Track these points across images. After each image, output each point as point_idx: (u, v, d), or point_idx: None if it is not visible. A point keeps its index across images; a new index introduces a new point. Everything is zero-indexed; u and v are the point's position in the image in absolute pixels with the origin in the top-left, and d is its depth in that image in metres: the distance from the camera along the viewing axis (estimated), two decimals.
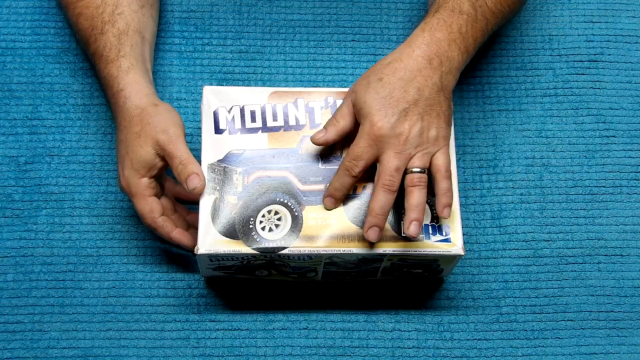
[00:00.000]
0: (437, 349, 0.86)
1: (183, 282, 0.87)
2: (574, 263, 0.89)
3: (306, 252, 0.76)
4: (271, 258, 0.78)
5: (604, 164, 0.92)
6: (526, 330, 0.87)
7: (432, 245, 0.77)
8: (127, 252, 0.88)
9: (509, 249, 0.89)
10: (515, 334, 0.86)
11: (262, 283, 0.87)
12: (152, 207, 0.79)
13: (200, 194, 0.78)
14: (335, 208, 0.78)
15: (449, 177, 0.76)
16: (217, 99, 0.81)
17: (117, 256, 0.88)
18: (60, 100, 0.93)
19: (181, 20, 0.96)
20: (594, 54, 0.97)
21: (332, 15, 0.97)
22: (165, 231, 0.80)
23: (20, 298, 0.86)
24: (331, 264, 0.80)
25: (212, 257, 0.77)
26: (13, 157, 0.91)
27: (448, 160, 0.77)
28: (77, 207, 0.89)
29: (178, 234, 0.80)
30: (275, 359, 0.85)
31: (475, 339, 0.86)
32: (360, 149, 0.75)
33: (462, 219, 0.89)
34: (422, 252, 0.77)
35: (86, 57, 0.88)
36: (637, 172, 0.92)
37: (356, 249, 0.77)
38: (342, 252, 0.77)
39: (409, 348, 0.85)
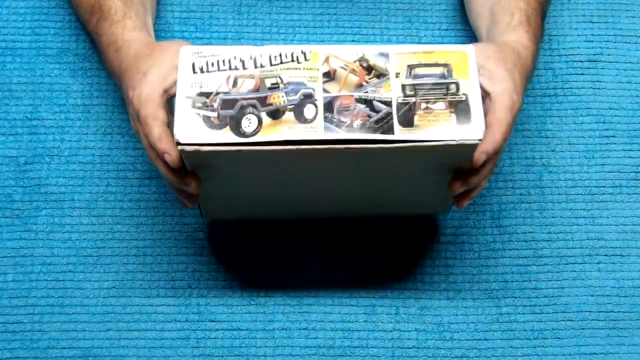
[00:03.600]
0: (437, 349, 0.86)
1: (183, 282, 0.87)
2: (574, 263, 0.89)
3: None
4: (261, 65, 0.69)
5: (604, 164, 0.92)
6: (526, 330, 0.87)
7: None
8: (127, 252, 0.88)
9: (509, 249, 0.89)
10: (515, 334, 0.86)
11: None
12: (157, 109, 0.72)
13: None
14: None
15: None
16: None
17: (117, 256, 0.88)
18: (60, 101, 0.93)
19: (181, 20, 0.96)
20: (594, 54, 0.97)
21: (332, 15, 0.97)
22: (158, 131, 0.71)
23: (20, 298, 0.86)
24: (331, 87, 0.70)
25: (195, 58, 0.69)
26: (13, 157, 0.91)
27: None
28: (76, 207, 0.89)
29: (166, 139, 0.71)
30: (275, 359, 0.85)
31: (475, 339, 0.86)
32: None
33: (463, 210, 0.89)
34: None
35: (89, 30, 0.87)
36: (637, 172, 0.92)
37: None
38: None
39: (409, 348, 0.85)
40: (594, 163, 0.93)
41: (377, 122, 0.68)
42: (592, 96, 0.95)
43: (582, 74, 0.96)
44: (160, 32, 0.95)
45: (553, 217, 0.91)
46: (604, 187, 0.92)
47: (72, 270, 0.87)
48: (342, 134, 0.67)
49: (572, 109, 0.95)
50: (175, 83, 0.72)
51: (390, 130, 0.68)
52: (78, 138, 0.92)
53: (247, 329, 0.86)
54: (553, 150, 0.93)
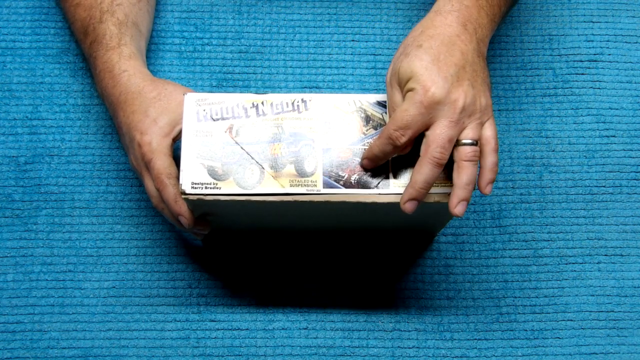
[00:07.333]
0: (437, 349, 0.86)
1: (183, 282, 0.87)
2: (574, 263, 0.89)
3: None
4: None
5: (604, 164, 0.92)
6: (526, 330, 0.87)
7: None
8: (127, 252, 0.88)
9: (509, 249, 0.89)
10: (515, 334, 0.86)
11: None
12: (170, 163, 0.75)
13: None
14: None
15: (497, 151, 0.70)
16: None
17: (117, 256, 0.88)
18: (60, 100, 0.93)
19: (181, 20, 0.96)
20: (594, 54, 0.97)
21: (332, 15, 0.97)
22: (174, 192, 0.74)
23: (20, 298, 0.86)
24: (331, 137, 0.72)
25: (199, 106, 0.71)
26: (13, 157, 0.91)
27: (496, 131, 0.70)
28: (77, 207, 0.89)
29: (182, 202, 0.74)
30: (275, 359, 0.85)
31: (475, 339, 0.86)
32: (410, 117, 0.67)
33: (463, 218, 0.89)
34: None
35: (82, 49, 0.87)
36: (637, 172, 0.92)
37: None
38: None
39: (409, 348, 0.85)
40: (594, 163, 0.93)
41: (373, 175, 0.71)
42: (593, 96, 0.95)
43: (583, 74, 0.96)
44: (161, 32, 0.95)
45: (553, 217, 0.91)
46: (604, 187, 0.92)
47: (72, 270, 0.87)
48: (340, 189, 0.70)
49: (572, 108, 0.95)
50: (181, 132, 0.74)
51: (386, 184, 0.70)
52: (78, 138, 0.92)
53: (247, 329, 0.86)
54: (553, 150, 0.93)
